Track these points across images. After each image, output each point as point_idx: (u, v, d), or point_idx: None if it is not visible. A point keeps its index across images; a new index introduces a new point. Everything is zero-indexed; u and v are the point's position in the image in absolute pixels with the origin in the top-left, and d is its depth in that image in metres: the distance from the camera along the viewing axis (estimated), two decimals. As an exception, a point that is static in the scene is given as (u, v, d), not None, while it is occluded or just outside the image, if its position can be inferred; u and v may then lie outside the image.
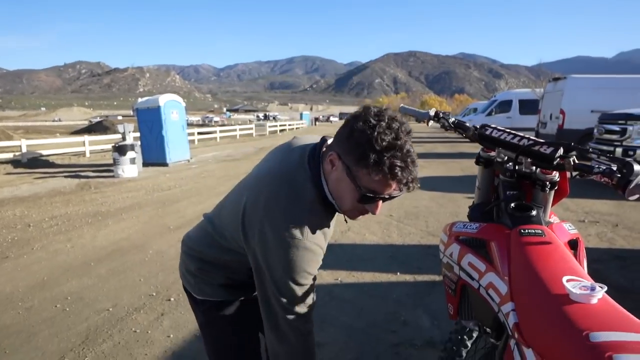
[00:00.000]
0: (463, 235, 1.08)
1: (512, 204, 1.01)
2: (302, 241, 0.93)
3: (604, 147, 6.75)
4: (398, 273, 3.20)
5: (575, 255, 0.95)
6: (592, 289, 0.66)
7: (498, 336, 0.94)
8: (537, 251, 0.83)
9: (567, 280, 0.69)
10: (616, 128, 6.67)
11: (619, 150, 6.51)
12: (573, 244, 0.99)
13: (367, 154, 0.84)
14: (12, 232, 4.53)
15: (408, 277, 3.13)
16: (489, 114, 17.80)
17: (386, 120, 0.86)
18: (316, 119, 50.40)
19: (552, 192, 1.04)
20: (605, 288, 0.66)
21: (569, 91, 11.45)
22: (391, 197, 0.91)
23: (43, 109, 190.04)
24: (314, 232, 0.95)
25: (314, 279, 1.00)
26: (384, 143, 0.84)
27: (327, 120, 72.67)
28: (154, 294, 2.93)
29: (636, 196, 0.81)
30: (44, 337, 2.37)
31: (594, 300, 0.64)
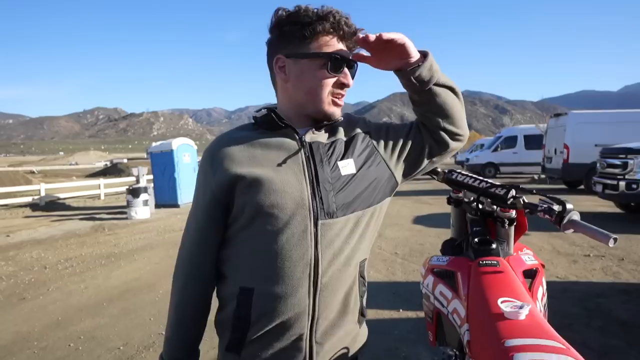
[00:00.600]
0: (436, 268, 1.22)
1: (476, 239, 1.15)
2: (208, 150, 0.93)
3: (608, 181, 6.81)
4: (401, 310, 3.25)
5: (532, 282, 1.08)
6: (521, 307, 0.79)
7: (463, 357, 1.05)
8: (489, 279, 0.97)
9: (502, 302, 0.82)
10: (617, 162, 6.76)
11: (622, 183, 6.56)
12: (531, 273, 1.12)
13: (308, 24, 0.85)
14: (29, 274, 4.71)
15: (410, 314, 3.18)
16: (495, 150, 18.02)
17: (299, 7, 0.88)
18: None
19: (512, 228, 1.19)
20: (530, 306, 0.80)
21: (571, 126, 11.66)
22: (351, 62, 0.90)
23: (61, 153, 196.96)
24: (227, 143, 0.91)
25: (213, 197, 0.90)
26: (313, 9, 0.86)
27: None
28: (163, 332, 3.03)
29: (571, 230, 0.95)
30: (57, 375, 2.47)
31: (522, 317, 0.77)
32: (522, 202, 1.08)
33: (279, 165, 0.87)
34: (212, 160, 0.90)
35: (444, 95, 0.92)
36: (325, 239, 0.86)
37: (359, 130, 0.99)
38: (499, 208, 1.17)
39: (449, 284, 1.12)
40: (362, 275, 0.95)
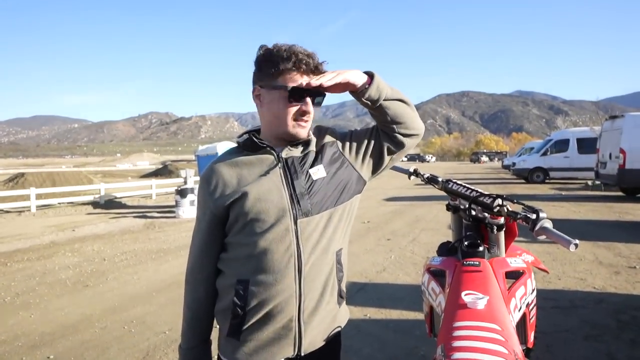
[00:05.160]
0: (432, 267, 1.37)
1: (466, 242, 1.29)
2: (204, 177, 1.12)
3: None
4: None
5: (513, 283, 1.20)
6: (480, 298, 0.93)
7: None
8: (467, 277, 1.11)
9: (465, 294, 0.97)
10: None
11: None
12: (515, 275, 1.23)
13: (276, 62, 1.03)
14: (91, 265, 5.29)
15: (435, 316, 3.26)
16: (544, 154, 17.14)
17: (274, 46, 1.06)
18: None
19: (502, 233, 1.31)
20: (488, 297, 0.94)
21: (628, 129, 10.90)
22: (315, 92, 1.06)
23: (118, 155, 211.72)
24: (219, 167, 1.10)
25: (210, 211, 1.09)
26: (282, 49, 1.04)
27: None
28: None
29: (543, 237, 1.07)
30: (114, 351, 2.85)
31: (480, 306, 0.92)
32: (506, 210, 1.21)
33: (262, 177, 1.07)
34: (208, 186, 1.10)
35: (394, 106, 1.10)
36: (304, 234, 1.05)
37: (327, 139, 1.17)
38: (489, 215, 1.30)
39: (439, 281, 1.27)
40: (339, 262, 1.12)
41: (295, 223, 1.05)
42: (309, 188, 1.08)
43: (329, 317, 1.11)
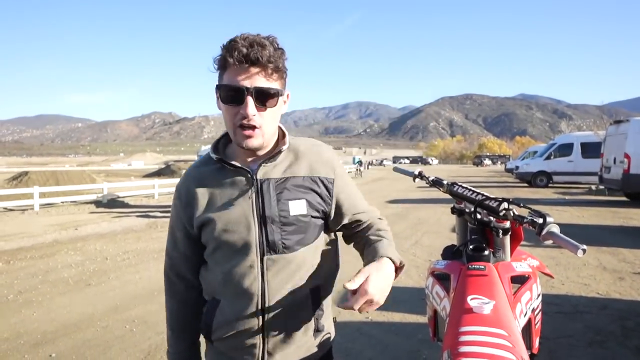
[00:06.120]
0: (436, 271, 1.35)
1: (471, 246, 1.28)
2: (178, 189, 1.04)
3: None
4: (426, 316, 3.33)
5: (519, 287, 1.19)
6: (486, 303, 0.92)
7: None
8: (472, 281, 1.09)
9: (471, 299, 0.96)
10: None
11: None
12: (521, 279, 1.22)
13: (219, 58, 0.89)
14: (93, 264, 5.30)
15: (437, 320, 3.24)
16: (548, 158, 17.08)
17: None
18: (369, 163, 50.91)
19: (507, 237, 1.29)
20: (494, 302, 0.93)
21: (633, 134, 10.86)
22: (252, 89, 0.87)
23: (121, 154, 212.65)
24: (190, 180, 1.01)
25: (181, 227, 1.03)
26: (227, 41, 0.88)
27: (380, 163, 72.50)
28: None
29: (550, 241, 1.05)
30: (116, 351, 2.84)
31: (486, 311, 0.91)
32: (512, 214, 1.20)
33: (232, 202, 0.95)
34: (181, 199, 1.01)
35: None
36: (271, 271, 0.95)
37: (323, 173, 1.01)
38: (495, 219, 1.29)
39: (443, 284, 1.26)
40: (315, 302, 1.01)
41: (262, 260, 0.95)
42: (282, 222, 0.95)
43: (300, 350, 1.02)
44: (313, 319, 1.02)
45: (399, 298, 3.74)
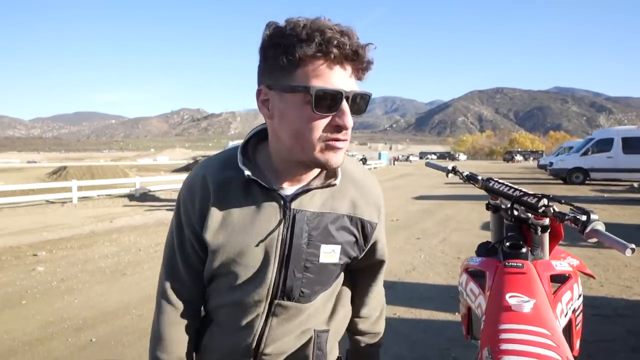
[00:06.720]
0: (470, 268, 1.33)
1: (508, 243, 1.24)
2: (191, 186, 0.81)
3: None
4: (456, 313, 3.27)
5: (559, 287, 1.15)
6: (525, 301, 0.89)
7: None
8: (510, 278, 1.06)
9: (510, 296, 0.93)
10: None
11: None
12: (561, 279, 1.18)
13: (290, 47, 0.66)
14: (128, 255, 5.53)
15: (466, 318, 3.19)
16: (585, 154, 16.31)
17: (287, 22, 0.68)
18: (395, 159, 50.23)
19: (546, 235, 1.25)
20: (535, 301, 0.90)
21: (680, 128, 10.22)
22: (352, 95, 0.69)
23: (152, 150, 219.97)
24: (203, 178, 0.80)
25: (182, 237, 0.82)
26: (301, 25, 0.66)
27: (407, 159, 71.29)
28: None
29: (594, 240, 1.01)
30: (150, 338, 2.96)
31: (526, 309, 0.88)
32: (552, 210, 1.15)
33: (253, 232, 0.77)
34: (194, 202, 0.79)
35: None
36: (277, 318, 0.81)
37: (367, 215, 0.84)
38: (533, 215, 1.25)
39: (478, 282, 1.23)
40: (319, 348, 0.85)
41: (271, 303, 0.80)
42: (306, 267, 0.79)
43: None
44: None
45: (427, 295, 3.69)
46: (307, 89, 0.66)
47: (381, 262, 0.98)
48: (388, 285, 4.03)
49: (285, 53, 0.66)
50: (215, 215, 0.77)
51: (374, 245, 0.90)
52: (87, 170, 21.90)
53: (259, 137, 0.82)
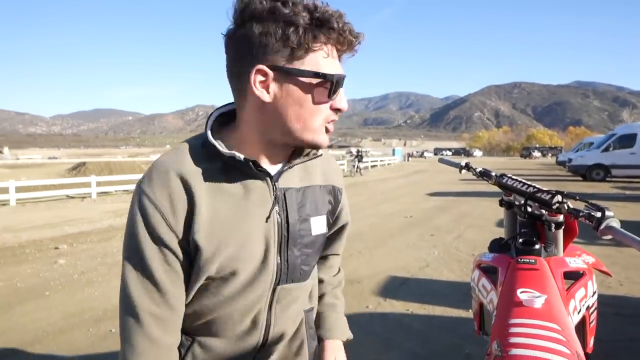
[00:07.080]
0: (483, 264, 1.33)
1: (521, 239, 1.24)
2: (160, 179, 0.67)
3: None
4: (469, 310, 3.25)
5: (573, 283, 1.14)
6: (537, 297, 0.89)
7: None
8: (522, 274, 1.06)
9: (521, 292, 0.93)
10: None
11: None
12: (575, 276, 1.17)
13: (306, 32, 0.64)
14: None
15: (480, 315, 3.17)
16: (606, 150, 15.86)
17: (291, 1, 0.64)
18: (409, 155, 49.79)
19: (560, 231, 1.24)
20: (546, 296, 0.90)
21: None
22: (344, 77, 0.70)
23: (168, 146, 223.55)
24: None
25: (167, 252, 0.68)
26: (311, 9, 0.64)
27: (421, 155, 70.55)
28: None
29: (609, 236, 1.00)
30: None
31: (537, 305, 0.88)
32: (566, 207, 1.15)
33: (245, 219, 0.71)
34: (173, 206, 0.67)
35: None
36: (281, 304, 0.78)
37: (338, 183, 0.89)
38: (547, 212, 1.24)
39: (490, 277, 1.24)
40: (310, 326, 0.90)
41: (274, 290, 0.76)
42: (304, 243, 0.78)
43: None
44: (306, 340, 0.89)
45: (440, 291, 3.68)
46: (324, 75, 0.67)
47: (346, 224, 0.99)
48: (401, 282, 4.07)
49: (298, 34, 0.64)
50: (204, 213, 0.68)
51: (341, 214, 0.94)
52: (105, 166, 22.42)
53: (219, 123, 0.76)
